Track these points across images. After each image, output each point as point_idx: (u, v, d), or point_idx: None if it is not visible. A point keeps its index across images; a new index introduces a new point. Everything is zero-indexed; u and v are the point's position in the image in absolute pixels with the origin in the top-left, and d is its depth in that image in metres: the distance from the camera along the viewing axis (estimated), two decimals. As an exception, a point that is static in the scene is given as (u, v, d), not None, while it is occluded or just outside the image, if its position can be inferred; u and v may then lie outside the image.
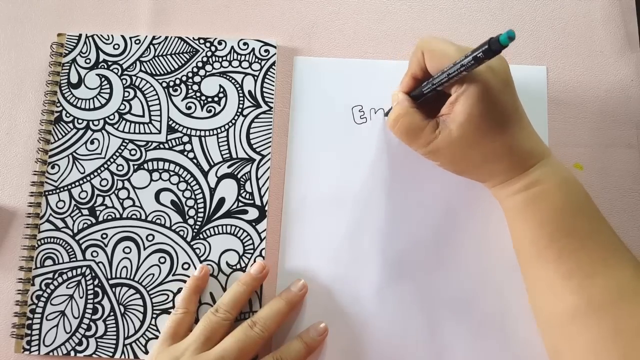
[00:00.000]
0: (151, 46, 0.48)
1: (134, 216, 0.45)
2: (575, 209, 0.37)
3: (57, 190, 0.46)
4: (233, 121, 0.47)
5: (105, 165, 0.46)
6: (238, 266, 0.44)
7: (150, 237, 0.45)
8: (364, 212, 0.44)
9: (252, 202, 0.45)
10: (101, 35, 0.48)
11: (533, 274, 0.38)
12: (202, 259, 0.45)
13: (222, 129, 0.47)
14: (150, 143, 0.46)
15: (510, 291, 0.42)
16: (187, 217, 0.45)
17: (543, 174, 0.37)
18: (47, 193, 0.46)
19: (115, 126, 0.47)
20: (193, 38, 0.48)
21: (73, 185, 0.46)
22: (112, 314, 0.44)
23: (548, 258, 0.36)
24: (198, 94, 0.47)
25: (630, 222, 0.44)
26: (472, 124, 0.36)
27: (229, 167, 0.46)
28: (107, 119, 0.47)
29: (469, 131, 0.36)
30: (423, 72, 0.39)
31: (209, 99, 0.47)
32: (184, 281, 0.44)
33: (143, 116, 0.47)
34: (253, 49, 0.48)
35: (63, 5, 0.50)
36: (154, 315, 0.44)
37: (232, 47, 0.48)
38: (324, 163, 0.46)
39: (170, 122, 0.47)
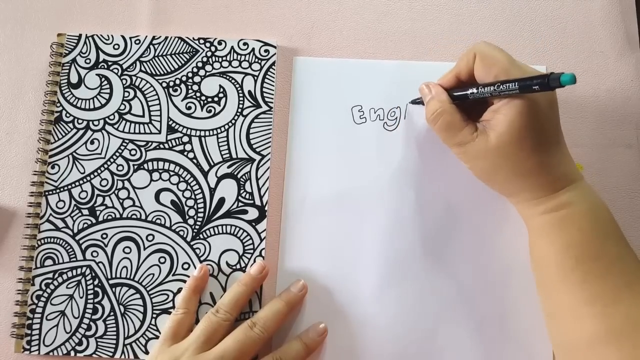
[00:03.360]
0: (151, 46, 0.48)
1: (134, 216, 0.45)
2: (603, 234, 0.36)
3: (57, 190, 0.46)
4: (233, 121, 0.47)
5: (105, 165, 0.46)
6: (238, 266, 0.44)
7: (150, 237, 0.45)
8: (363, 212, 0.44)
9: (252, 202, 0.45)
10: (101, 35, 0.49)
11: (554, 297, 0.37)
12: (202, 259, 0.45)
13: (222, 129, 0.47)
14: (150, 143, 0.46)
15: (510, 291, 0.42)
16: (187, 217, 0.45)
17: (573, 197, 0.37)
18: (47, 193, 0.46)
19: (115, 126, 0.47)
20: (193, 38, 0.48)
21: (73, 185, 0.46)
22: (112, 314, 0.44)
23: (572, 282, 0.35)
24: (198, 94, 0.47)
25: (631, 222, 0.44)
26: (512, 136, 0.36)
27: (228, 167, 0.46)
28: (107, 119, 0.47)
29: (507, 143, 0.36)
30: (469, 74, 0.39)
31: (209, 99, 0.47)
32: (184, 281, 0.44)
33: (143, 116, 0.47)
34: (253, 49, 0.48)
35: (63, 5, 0.50)
36: (154, 315, 0.44)
37: (232, 47, 0.48)
38: (323, 163, 0.46)
39: (170, 122, 0.47)
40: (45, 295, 0.44)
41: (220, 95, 0.47)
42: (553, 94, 0.37)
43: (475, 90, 0.38)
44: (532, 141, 0.36)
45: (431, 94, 0.41)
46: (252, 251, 0.45)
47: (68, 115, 0.47)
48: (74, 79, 0.48)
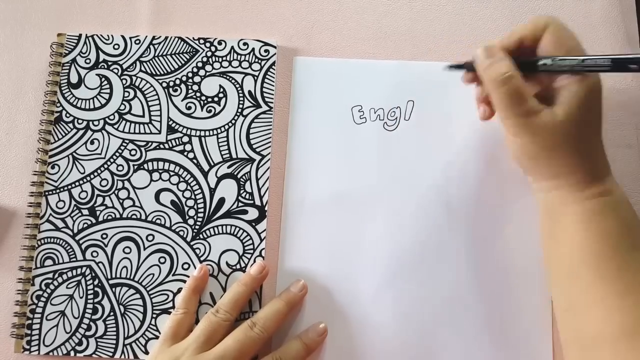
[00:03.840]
0: (151, 46, 0.48)
1: (134, 216, 0.45)
2: (638, 224, 0.36)
3: (57, 190, 0.46)
4: (233, 121, 0.47)
5: (105, 166, 0.46)
6: (238, 266, 0.44)
7: (150, 237, 0.45)
8: (364, 212, 0.44)
9: (252, 202, 0.45)
10: (101, 35, 0.49)
11: (582, 288, 0.36)
12: (202, 259, 0.45)
13: (222, 129, 0.47)
14: (150, 143, 0.46)
15: (510, 292, 0.42)
16: (187, 217, 0.45)
17: (615, 185, 0.37)
18: (47, 193, 0.46)
19: (115, 126, 0.47)
20: (193, 38, 0.48)
21: (73, 185, 0.46)
22: (112, 314, 0.44)
23: (606, 272, 0.35)
24: (198, 94, 0.47)
25: (630, 222, 0.44)
26: (581, 114, 0.35)
27: (229, 167, 0.46)
28: (107, 119, 0.47)
29: (575, 120, 0.35)
30: (533, 43, 0.38)
31: (209, 99, 0.47)
32: (184, 281, 0.44)
33: (143, 116, 0.47)
34: (253, 49, 0.48)
35: (63, 5, 0.50)
36: (154, 315, 0.44)
37: (232, 47, 0.48)
38: (323, 163, 0.46)
39: (170, 122, 0.47)
40: (45, 295, 0.44)
41: (220, 95, 0.47)
42: (600, 80, 0.37)
43: (550, 62, 0.36)
44: (595, 123, 0.36)
45: (494, 57, 0.38)
46: (252, 251, 0.45)
47: (68, 115, 0.47)
48: (74, 79, 0.48)
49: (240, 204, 0.45)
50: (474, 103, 0.44)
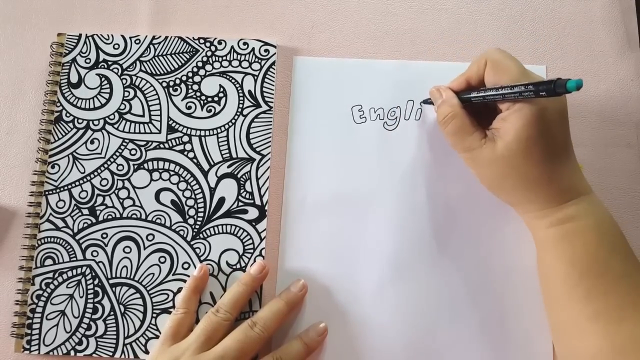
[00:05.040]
0: (151, 46, 0.48)
1: (134, 216, 0.45)
2: (609, 250, 0.35)
3: (57, 190, 0.46)
4: (233, 121, 0.47)
5: (106, 165, 0.46)
6: (238, 266, 0.44)
7: (150, 237, 0.45)
8: (363, 211, 0.44)
9: (252, 201, 0.45)
10: (101, 35, 0.49)
11: (559, 311, 0.37)
12: (202, 258, 0.45)
13: (222, 128, 0.47)
14: (150, 143, 0.46)
15: (510, 292, 0.42)
16: (187, 216, 0.45)
17: (579, 210, 0.36)
18: (47, 193, 0.46)
19: (115, 126, 0.47)
20: (193, 38, 0.48)
21: (73, 185, 0.46)
22: (112, 313, 0.44)
23: (576, 297, 0.35)
24: (198, 94, 0.47)
25: (631, 221, 0.44)
26: (519, 145, 0.35)
27: (229, 166, 0.46)
28: (107, 118, 0.47)
29: (514, 152, 0.36)
30: (479, 79, 0.39)
31: (209, 99, 0.47)
32: (184, 281, 0.44)
33: (143, 116, 0.47)
34: (253, 49, 0.48)
35: (63, 5, 0.50)
36: (154, 315, 0.44)
37: (232, 47, 0.48)
38: (323, 163, 0.46)
39: (170, 122, 0.47)
40: (46, 294, 0.44)
41: (220, 95, 0.47)
42: (563, 105, 0.37)
43: (477, 93, 0.38)
44: (540, 151, 0.36)
45: (442, 98, 0.40)
46: (252, 251, 0.45)
47: (68, 115, 0.47)
48: (74, 78, 0.48)
49: (240, 204, 0.45)
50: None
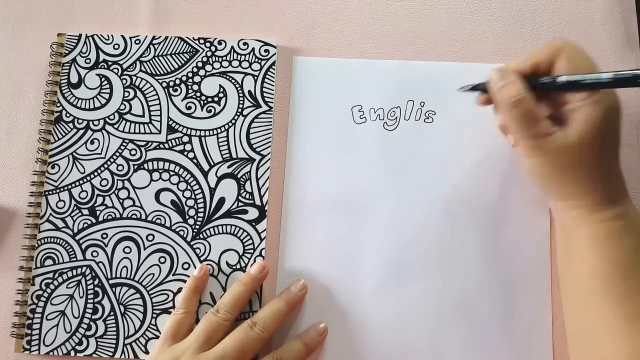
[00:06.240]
0: (151, 46, 0.48)
1: (134, 216, 0.45)
2: None
3: (57, 190, 0.46)
4: (233, 121, 0.47)
5: (106, 165, 0.46)
6: (238, 266, 0.44)
7: (150, 237, 0.45)
8: (363, 212, 0.44)
9: (252, 202, 0.45)
10: (101, 35, 0.49)
11: (589, 312, 0.36)
12: (202, 258, 0.45)
13: (222, 129, 0.47)
14: (150, 143, 0.46)
15: (510, 292, 0.42)
16: (187, 217, 0.45)
17: (629, 209, 0.36)
18: (47, 193, 0.46)
19: (115, 126, 0.47)
20: (193, 38, 0.48)
21: (73, 185, 0.46)
22: (112, 313, 0.44)
23: (614, 297, 0.34)
24: (198, 94, 0.47)
25: (630, 222, 0.44)
26: (594, 136, 0.35)
27: (229, 167, 0.46)
28: (107, 119, 0.47)
29: (586, 143, 0.35)
30: (547, 68, 0.38)
31: (209, 99, 0.47)
32: (184, 281, 0.44)
33: (143, 116, 0.47)
34: (253, 49, 0.48)
35: (63, 5, 0.50)
36: (154, 315, 0.44)
37: (232, 47, 0.48)
38: (323, 163, 0.46)
39: (170, 122, 0.47)
40: (46, 295, 0.44)
41: (220, 95, 0.47)
42: (619, 102, 0.37)
43: (555, 82, 0.36)
44: (610, 145, 0.36)
45: (507, 80, 0.38)
46: (252, 251, 0.45)
47: (68, 115, 0.47)
48: (74, 78, 0.48)
49: (240, 204, 0.45)
50: (474, 103, 0.44)
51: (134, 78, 0.48)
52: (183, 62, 0.48)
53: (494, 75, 0.39)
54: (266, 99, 0.47)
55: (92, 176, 0.46)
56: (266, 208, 0.45)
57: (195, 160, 0.46)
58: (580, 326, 0.37)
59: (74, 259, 0.45)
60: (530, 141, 0.37)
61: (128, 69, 0.48)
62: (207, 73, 0.47)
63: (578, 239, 0.37)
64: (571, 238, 0.38)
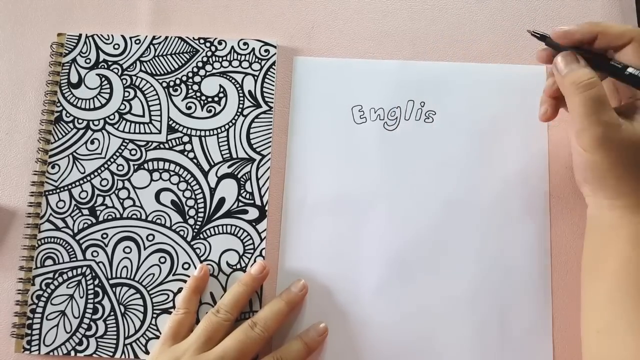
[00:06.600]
0: (151, 46, 0.48)
1: (134, 216, 0.45)
2: None
3: (57, 190, 0.46)
4: (233, 121, 0.47)
5: (106, 165, 0.46)
6: (238, 266, 0.44)
7: (150, 237, 0.45)
8: (364, 212, 0.44)
9: (252, 202, 0.45)
10: (101, 35, 0.48)
11: (618, 312, 0.35)
12: (202, 258, 0.45)
13: (222, 129, 0.47)
14: (150, 143, 0.46)
15: (510, 292, 0.42)
16: (187, 217, 0.45)
17: None
18: (47, 193, 0.46)
19: (116, 126, 0.47)
20: (193, 38, 0.48)
21: (73, 185, 0.46)
22: (112, 313, 0.44)
23: None
24: (198, 94, 0.47)
25: (630, 222, 0.44)
26: None
27: (229, 167, 0.46)
28: (107, 119, 0.47)
29: None
30: (613, 45, 0.36)
31: (209, 99, 0.47)
32: (184, 281, 0.44)
33: (143, 116, 0.47)
34: (253, 49, 0.48)
35: (63, 5, 0.50)
36: (154, 315, 0.44)
37: (232, 47, 0.48)
38: (323, 163, 0.46)
39: (171, 122, 0.47)
40: (46, 295, 0.44)
41: (221, 95, 0.47)
42: None
43: (628, 72, 0.35)
44: None
45: (575, 64, 0.36)
46: (252, 251, 0.45)
47: (68, 115, 0.47)
48: (74, 78, 0.48)
49: (240, 204, 0.45)
50: (474, 103, 0.44)
51: (134, 78, 0.48)
52: (183, 62, 0.48)
53: (568, 54, 0.37)
54: (266, 99, 0.47)
55: (92, 176, 0.46)
56: (266, 208, 0.45)
57: (195, 160, 0.46)
58: (606, 326, 0.35)
59: (74, 259, 0.45)
60: (597, 130, 0.34)
61: (128, 69, 0.48)
62: (207, 73, 0.47)
63: (613, 240, 0.36)
64: (605, 239, 0.37)
